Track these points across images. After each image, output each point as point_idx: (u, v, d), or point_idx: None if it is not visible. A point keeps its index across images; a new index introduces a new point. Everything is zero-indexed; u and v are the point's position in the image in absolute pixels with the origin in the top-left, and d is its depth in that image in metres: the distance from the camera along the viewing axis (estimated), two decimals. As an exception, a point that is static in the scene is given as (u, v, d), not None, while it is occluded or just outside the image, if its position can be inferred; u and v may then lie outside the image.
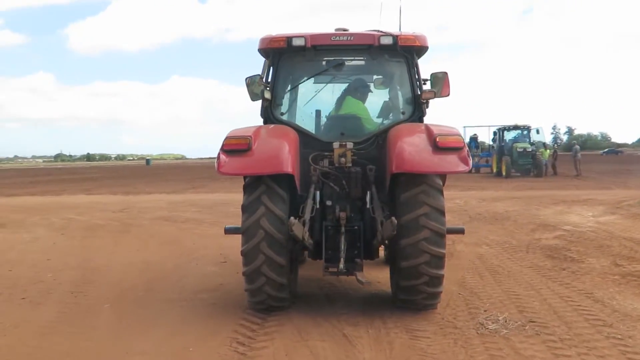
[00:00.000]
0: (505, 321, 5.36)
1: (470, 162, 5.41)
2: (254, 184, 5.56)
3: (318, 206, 5.82)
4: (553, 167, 33.49)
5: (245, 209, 5.52)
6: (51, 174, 57.06)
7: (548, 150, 34.22)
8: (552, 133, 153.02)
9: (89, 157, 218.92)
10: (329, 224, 5.74)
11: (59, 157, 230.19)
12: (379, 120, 6.55)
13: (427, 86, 7.34)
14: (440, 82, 7.11)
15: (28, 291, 6.85)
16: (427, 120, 6.37)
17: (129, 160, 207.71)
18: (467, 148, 5.51)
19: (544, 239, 10.42)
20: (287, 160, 5.44)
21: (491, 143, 36.98)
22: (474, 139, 39.62)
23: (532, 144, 32.71)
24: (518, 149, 31.81)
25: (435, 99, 7.32)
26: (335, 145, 5.83)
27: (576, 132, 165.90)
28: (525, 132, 33.77)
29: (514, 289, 6.70)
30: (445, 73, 7.15)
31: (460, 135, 5.51)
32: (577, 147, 35.78)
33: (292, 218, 5.14)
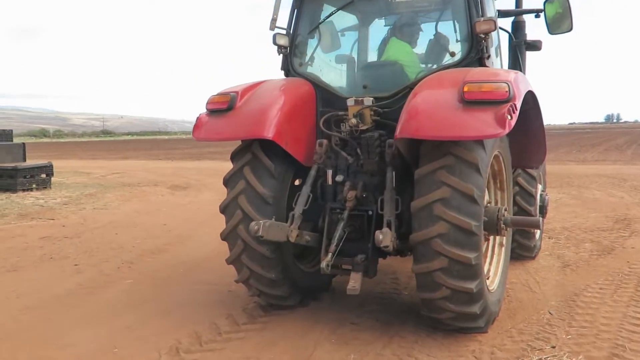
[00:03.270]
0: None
1: (512, 122, 3.50)
2: (240, 152, 4.48)
3: (330, 183, 4.50)
4: None
5: (226, 182, 4.49)
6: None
7: None
8: None
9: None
10: (336, 205, 4.38)
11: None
12: (422, 67, 4.79)
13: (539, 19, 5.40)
14: (562, 12, 5.12)
15: (93, 257, 6.81)
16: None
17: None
18: (515, 102, 3.59)
19: None
20: (271, 122, 4.21)
21: None
22: None
23: None
24: None
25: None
26: (350, 102, 4.35)
27: None
28: None
29: (646, 315, 4.46)
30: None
31: (506, 83, 3.61)
32: None
33: (253, 223, 3.94)
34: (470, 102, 3.59)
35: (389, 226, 3.89)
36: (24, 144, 15.82)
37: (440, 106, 3.66)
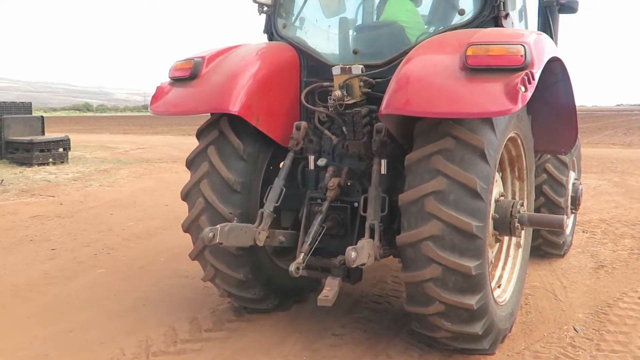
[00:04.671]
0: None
1: (527, 95, 2.71)
2: (206, 129, 3.80)
3: (312, 167, 3.79)
4: None
5: (189, 164, 3.82)
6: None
7: None
8: None
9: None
10: (316, 195, 3.66)
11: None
12: (426, 28, 3.97)
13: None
14: None
15: (75, 240, 6.29)
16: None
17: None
18: (533, 70, 2.79)
19: None
20: (239, 93, 3.51)
21: None
22: None
23: None
24: None
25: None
26: (335, 70, 3.59)
27: None
28: None
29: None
30: None
31: (522, 45, 2.81)
32: None
33: (207, 229, 3.20)
34: (475, 70, 2.82)
35: (372, 232, 3.16)
36: (42, 116, 15.52)
37: (437, 74, 2.89)
